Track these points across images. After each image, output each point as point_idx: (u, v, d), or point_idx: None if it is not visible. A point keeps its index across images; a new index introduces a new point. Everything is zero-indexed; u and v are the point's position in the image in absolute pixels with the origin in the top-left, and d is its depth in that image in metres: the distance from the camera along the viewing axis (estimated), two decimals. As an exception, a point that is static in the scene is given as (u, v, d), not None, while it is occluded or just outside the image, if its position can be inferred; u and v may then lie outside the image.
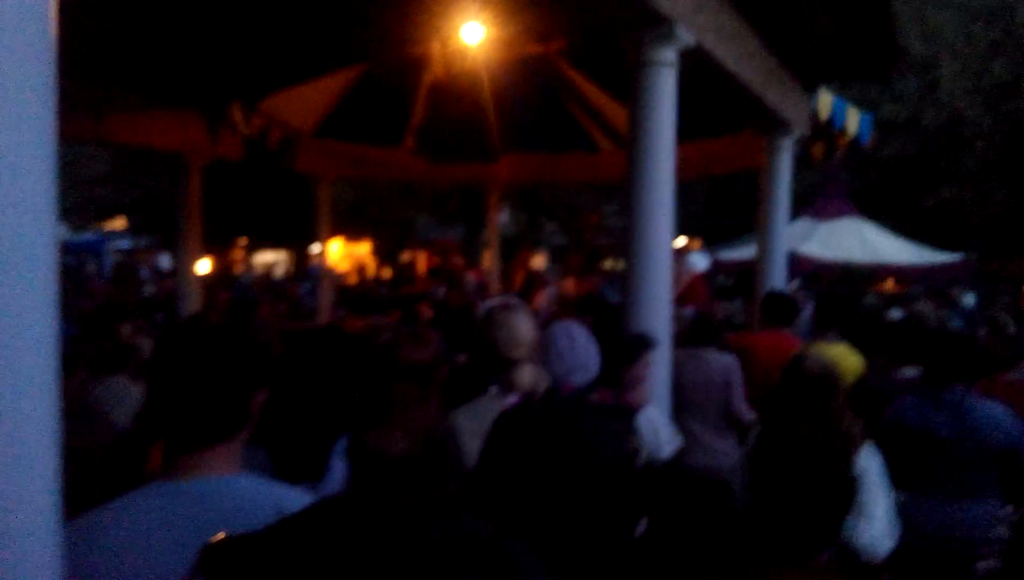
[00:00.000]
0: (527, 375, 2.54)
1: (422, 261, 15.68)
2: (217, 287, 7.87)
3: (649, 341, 3.50)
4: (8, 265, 1.14)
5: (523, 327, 2.59)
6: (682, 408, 4.40)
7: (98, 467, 2.47)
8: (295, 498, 1.57)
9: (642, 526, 1.21)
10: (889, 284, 15.97)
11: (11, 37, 1.14)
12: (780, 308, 5.34)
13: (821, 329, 5.22)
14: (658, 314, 3.86)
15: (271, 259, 28.54)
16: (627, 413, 3.14)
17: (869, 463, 2.81)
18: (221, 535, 0.64)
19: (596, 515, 1.16)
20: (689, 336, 4.84)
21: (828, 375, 2.92)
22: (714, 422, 4.59)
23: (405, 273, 11.63)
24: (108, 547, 1.41)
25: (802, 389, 2.90)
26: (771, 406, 3.08)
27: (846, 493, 2.74)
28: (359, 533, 0.59)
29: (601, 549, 1.15)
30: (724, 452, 4.48)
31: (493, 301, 3.18)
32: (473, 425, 2.46)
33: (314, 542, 0.60)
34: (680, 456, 4.08)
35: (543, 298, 8.45)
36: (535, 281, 8.98)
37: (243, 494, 1.51)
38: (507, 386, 2.54)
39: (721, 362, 4.67)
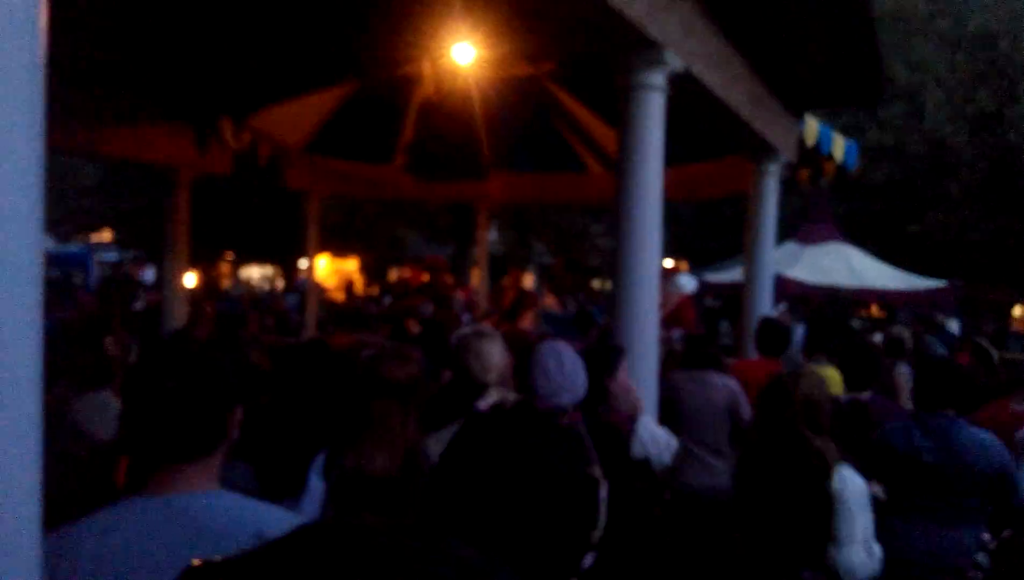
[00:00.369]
0: (495, 399, 2.56)
1: (411, 278, 15.69)
2: (203, 301, 7.81)
3: (619, 349, 3.56)
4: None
5: (494, 353, 2.63)
6: (683, 429, 4.44)
7: (72, 479, 2.45)
8: (272, 516, 1.57)
9: (588, 560, 1.18)
10: (874, 309, 16.07)
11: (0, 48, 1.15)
12: (774, 337, 5.38)
13: (813, 352, 5.27)
14: (645, 334, 3.88)
15: (258, 274, 28.45)
16: (581, 440, 3.14)
17: (845, 484, 2.82)
18: (198, 561, 0.64)
19: (542, 530, 1.12)
20: (688, 358, 4.87)
21: (803, 395, 2.95)
22: (714, 443, 4.63)
23: (397, 289, 11.61)
24: (82, 561, 1.41)
25: (779, 409, 2.95)
26: (753, 427, 3.11)
27: (821, 512, 2.76)
28: (345, 563, 0.58)
29: (542, 567, 1.13)
30: (725, 472, 4.54)
31: (465, 328, 3.20)
32: (440, 450, 2.48)
33: (297, 570, 0.59)
34: (682, 475, 4.12)
35: (532, 317, 8.45)
36: (524, 300, 8.96)
37: (218, 511, 1.50)
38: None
39: (724, 385, 4.71)
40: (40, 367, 1.22)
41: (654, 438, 3.43)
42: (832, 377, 4.99)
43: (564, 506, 1.14)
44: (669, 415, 4.32)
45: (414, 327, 7.34)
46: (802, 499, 2.82)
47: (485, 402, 2.54)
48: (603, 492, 1.13)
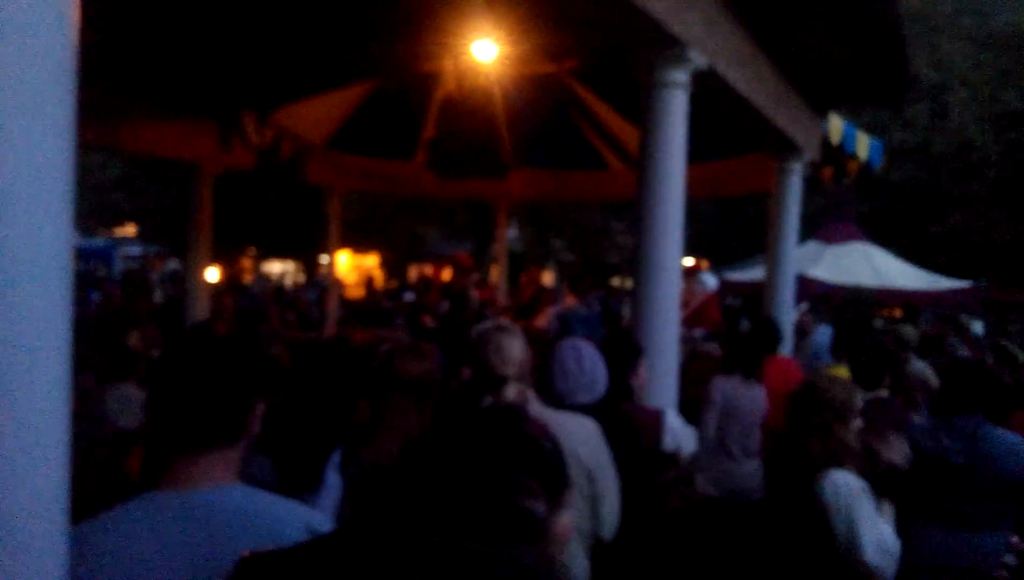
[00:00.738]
0: (511, 394, 2.57)
1: (433, 275, 15.68)
2: (224, 295, 7.87)
3: (640, 346, 3.60)
4: (24, 268, 1.15)
5: (514, 347, 2.63)
6: (732, 431, 4.62)
7: (92, 470, 2.48)
8: (286, 511, 1.58)
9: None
10: (896, 310, 15.92)
11: (33, 47, 1.16)
12: (768, 336, 5.39)
13: (840, 353, 5.26)
14: (666, 331, 3.87)
15: (279, 269, 28.63)
16: (536, 453, 3.13)
17: (836, 488, 2.78)
18: (247, 552, 0.65)
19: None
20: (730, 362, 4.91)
21: (835, 394, 2.94)
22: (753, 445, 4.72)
23: (419, 286, 11.63)
24: (103, 560, 1.42)
25: (813, 407, 2.93)
26: (785, 426, 3.08)
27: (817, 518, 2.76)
28: (400, 562, 0.58)
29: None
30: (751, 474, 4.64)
31: (486, 322, 3.21)
32: None
33: (350, 567, 0.60)
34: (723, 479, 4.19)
35: (549, 315, 8.45)
36: (542, 297, 8.97)
37: (233, 506, 1.51)
38: (496, 403, 2.58)
39: (756, 391, 4.76)
40: (69, 360, 1.24)
41: (677, 430, 3.46)
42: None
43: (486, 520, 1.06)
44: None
45: (429, 322, 7.36)
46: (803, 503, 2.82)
47: (493, 399, 2.54)
48: (538, 510, 1.04)
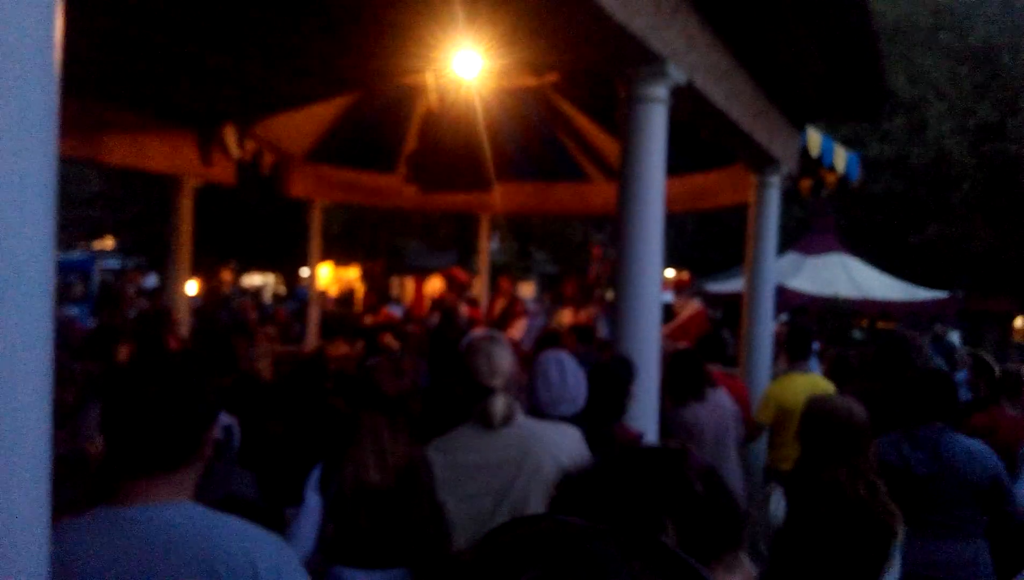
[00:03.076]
0: (499, 405, 2.57)
1: (433, 287, 15.47)
2: (208, 310, 7.83)
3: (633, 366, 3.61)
4: (6, 283, 1.15)
5: (504, 358, 2.64)
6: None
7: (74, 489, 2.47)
8: (234, 530, 1.57)
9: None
10: (880, 323, 16.07)
11: (15, 58, 1.17)
12: (714, 348, 5.40)
13: (795, 359, 5.27)
14: (646, 344, 3.89)
15: (259, 281, 28.47)
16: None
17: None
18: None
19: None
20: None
21: (862, 422, 2.81)
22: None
23: (368, 301, 11.53)
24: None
25: (840, 437, 2.77)
26: (803, 457, 2.93)
27: (884, 542, 2.64)
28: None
29: None
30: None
31: (477, 332, 3.23)
32: (444, 457, 2.55)
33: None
34: None
35: (521, 327, 8.42)
36: (513, 309, 8.90)
37: (177, 524, 1.51)
38: (482, 413, 2.57)
39: (727, 402, 4.72)
40: (50, 376, 1.24)
41: None
42: (816, 383, 5.07)
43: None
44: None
45: (392, 341, 7.30)
46: (865, 527, 2.66)
47: (487, 416, 2.55)
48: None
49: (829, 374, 5.18)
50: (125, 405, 1.57)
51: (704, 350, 5.15)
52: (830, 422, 2.81)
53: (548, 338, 5.38)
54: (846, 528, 2.63)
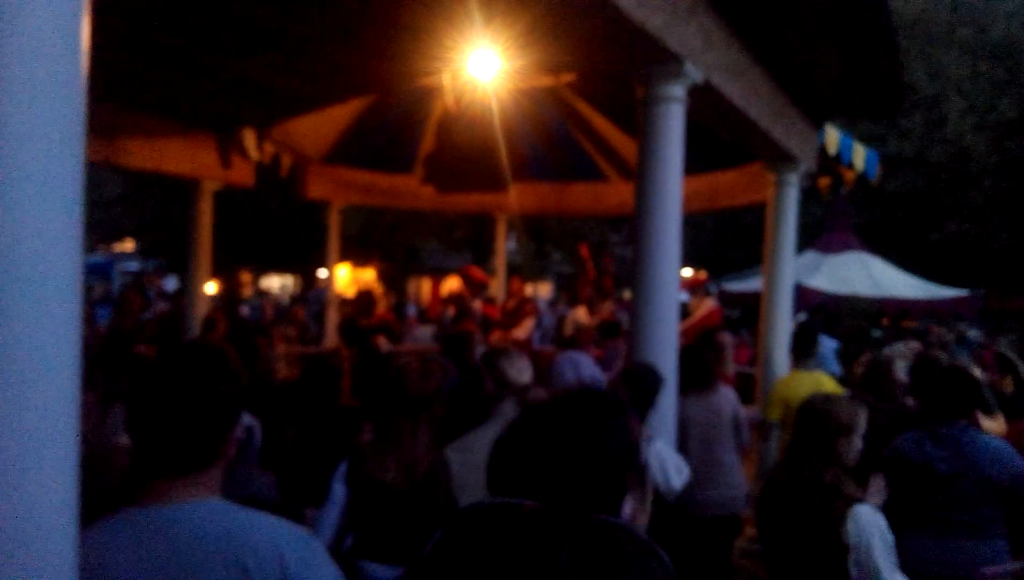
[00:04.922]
0: (511, 410, 2.62)
1: (449, 286, 15.48)
2: (215, 312, 7.84)
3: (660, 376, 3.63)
4: (34, 285, 1.17)
5: (524, 367, 2.69)
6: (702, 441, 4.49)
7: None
8: (260, 525, 1.58)
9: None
10: (907, 322, 15.95)
11: (43, 65, 1.19)
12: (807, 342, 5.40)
13: (800, 357, 5.24)
14: (665, 344, 3.88)
15: (278, 283, 28.64)
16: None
17: (860, 526, 2.72)
18: None
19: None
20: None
21: (838, 422, 2.86)
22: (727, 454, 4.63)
23: (361, 303, 11.49)
24: (84, 573, 1.44)
25: (821, 430, 2.86)
26: (791, 450, 3.00)
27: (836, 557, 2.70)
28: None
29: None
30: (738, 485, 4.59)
31: (496, 341, 3.28)
32: (461, 457, 2.62)
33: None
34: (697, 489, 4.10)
35: (528, 327, 8.40)
36: (522, 309, 8.87)
37: (202, 523, 1.53)
38: (499, 416, 2.62)
39: (728, 396, 4.71)
40: (78, 377, 1.26)
41: (662, 465, 3.44)
42: (821, 381, 5.04)
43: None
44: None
45: (385, 344, 7.29)
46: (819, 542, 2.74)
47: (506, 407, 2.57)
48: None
49: (862, 382, 4.97)
50: (151, 407, 1.59)
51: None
52: (808, 419, 2.90)
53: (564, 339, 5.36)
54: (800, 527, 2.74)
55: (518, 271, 16.84)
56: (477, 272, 9.36)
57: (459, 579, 0.70)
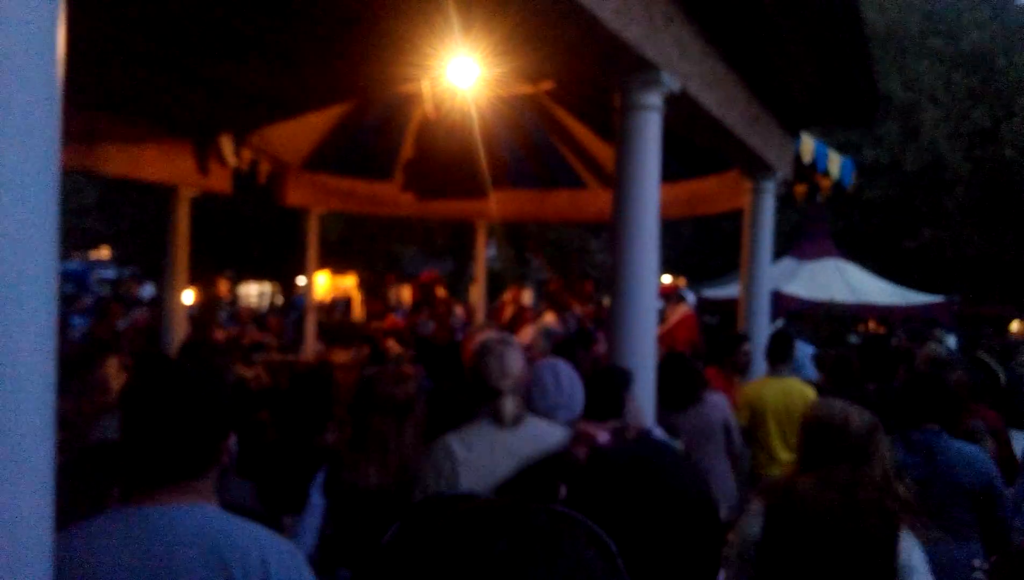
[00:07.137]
0: (510, 406, 2.62)
1: (406, 294, 15.61)
2: (206, 320, 7.82)
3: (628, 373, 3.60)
4: (9, 292, 1.17)
5: (514, 361, 2.68)
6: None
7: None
8: (245, 531, 1.60)
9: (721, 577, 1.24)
10: (871, 324, 16.11)
11: (17, 71, 1.18)
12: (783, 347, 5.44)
13: (775, 363, 5.27)
14: (642, 350, 3.90)
15: (256, 291, 28.44)
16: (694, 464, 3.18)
17: (911, 556, 2.59)
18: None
19: (681, 555, 1.18)
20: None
21: (858, 429, 2.65)
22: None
23: (373, 307, 11.62)
24: (72, 568, 1.45)
25: (844, 445, 2.62)
26: (801, 465, 2.76)
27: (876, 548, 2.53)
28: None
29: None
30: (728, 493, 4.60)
31: (490, 333, 3.26)
32: (463, 449, 2.59)
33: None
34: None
35: (529, 333, 8.48)
36: (522, 317, 9.00)
37: (194, 525, 1.54)
38: (494, 414, 2.62)
39: (718, 403, 4.74)
40: (54, 384, 1.25)
41: None
42: (795, 387, 5.09)
43: (696, 528, 1.19)
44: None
45: (395, 346, 7.36)
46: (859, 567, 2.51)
47: (498, 417, 2.58)
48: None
49: (829, 376, 5.15)
50: (144, 416, 1.59)
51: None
52: (826, 429, 2.68)
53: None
54: (823, 539, 2.51)
55: (498, 278, 16.84)
56: (427, 276, 9.54)
57: (406, 571, 0.71)
